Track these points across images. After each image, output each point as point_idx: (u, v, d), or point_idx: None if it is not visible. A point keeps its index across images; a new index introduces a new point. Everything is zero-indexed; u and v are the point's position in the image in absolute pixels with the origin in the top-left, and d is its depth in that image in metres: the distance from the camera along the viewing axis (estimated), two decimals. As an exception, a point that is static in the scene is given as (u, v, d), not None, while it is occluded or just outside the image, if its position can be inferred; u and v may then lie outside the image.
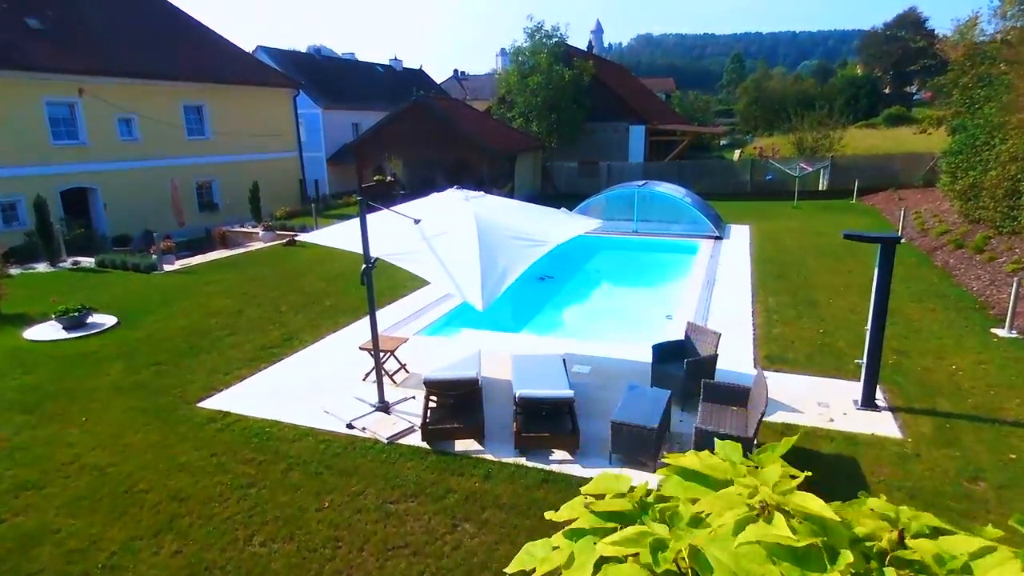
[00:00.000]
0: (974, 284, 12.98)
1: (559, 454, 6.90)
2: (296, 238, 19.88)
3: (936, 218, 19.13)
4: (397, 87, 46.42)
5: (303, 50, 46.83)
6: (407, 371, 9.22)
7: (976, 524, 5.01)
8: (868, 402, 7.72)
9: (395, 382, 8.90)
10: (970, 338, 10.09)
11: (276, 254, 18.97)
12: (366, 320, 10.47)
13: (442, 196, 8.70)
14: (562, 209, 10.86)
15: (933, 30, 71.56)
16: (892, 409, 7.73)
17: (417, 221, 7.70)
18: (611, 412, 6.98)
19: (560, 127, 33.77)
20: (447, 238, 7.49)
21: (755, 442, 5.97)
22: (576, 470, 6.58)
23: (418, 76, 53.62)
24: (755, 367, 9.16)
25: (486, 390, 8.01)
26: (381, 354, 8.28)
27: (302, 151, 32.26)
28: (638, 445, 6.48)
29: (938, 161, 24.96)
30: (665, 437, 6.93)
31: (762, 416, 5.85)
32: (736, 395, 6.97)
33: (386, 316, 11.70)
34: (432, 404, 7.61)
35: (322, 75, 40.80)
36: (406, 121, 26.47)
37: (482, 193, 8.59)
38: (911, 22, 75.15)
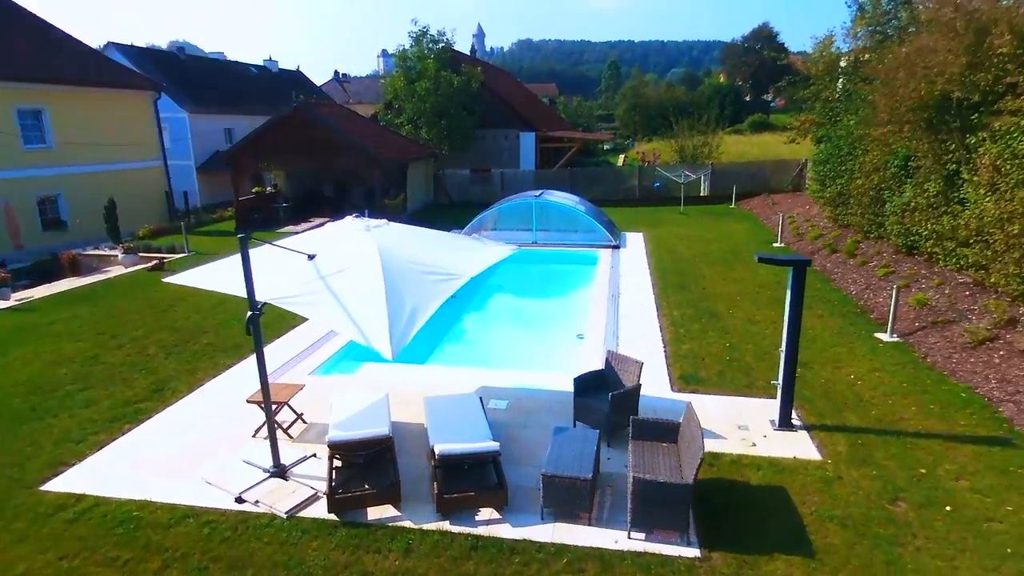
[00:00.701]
0: (852, 288, 13.86)
1: (486, 511, 6.26)
2: (164, 279, 17.68)
3: (809, 223, 20.51)
4: (273, 89, 43.63)
5: (164, 47, 42.82)
6: (304, 421, 8.18)
7: (906, 551, 4.81)
8: (785, 422, 7.78)
9: (291, 437, 7.85)
10: (860, 345, 10.63)
11: (140, 281, 16.74)
12: (252, 360, 9.30)
13: (339, 226, 7.78)
14: (475, 235, 10.25)
15: (784, 44, 79.16)
16: (808, 427, 7.82)
17: (311, 256, 6.77)
18: (536, 454, 6.47)
19: (451, 134, 33.06)
20: (347, 276, 6.63)
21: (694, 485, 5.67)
22: (506, 531, 5.98)
23: (296, 78, 50.79)
24: (672, 389, 9.05)
25: (397, 438, 7.22)
26: (274, 406, 7.24)
27: (167, 160, 29.19)
28: (571, 497, 5.99)
29: (804, 167, 27.00)
30: (597, 483, 6.51)
31: (701, 462, 5.55)
32: (666, 431, 6.69)
33: (274, 355, 10.48)
34: (337, 464, 6.72)
35: (187, 76, 37.42)
36: (287, 128, 24.55)
37: (385, 222, 7.77)
38: (765, 36, 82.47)
